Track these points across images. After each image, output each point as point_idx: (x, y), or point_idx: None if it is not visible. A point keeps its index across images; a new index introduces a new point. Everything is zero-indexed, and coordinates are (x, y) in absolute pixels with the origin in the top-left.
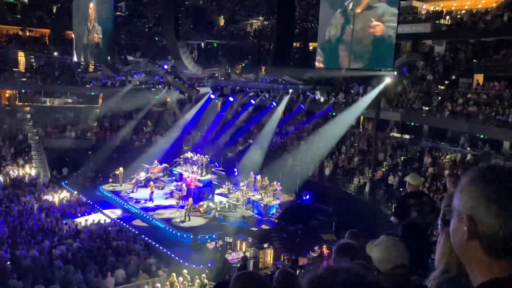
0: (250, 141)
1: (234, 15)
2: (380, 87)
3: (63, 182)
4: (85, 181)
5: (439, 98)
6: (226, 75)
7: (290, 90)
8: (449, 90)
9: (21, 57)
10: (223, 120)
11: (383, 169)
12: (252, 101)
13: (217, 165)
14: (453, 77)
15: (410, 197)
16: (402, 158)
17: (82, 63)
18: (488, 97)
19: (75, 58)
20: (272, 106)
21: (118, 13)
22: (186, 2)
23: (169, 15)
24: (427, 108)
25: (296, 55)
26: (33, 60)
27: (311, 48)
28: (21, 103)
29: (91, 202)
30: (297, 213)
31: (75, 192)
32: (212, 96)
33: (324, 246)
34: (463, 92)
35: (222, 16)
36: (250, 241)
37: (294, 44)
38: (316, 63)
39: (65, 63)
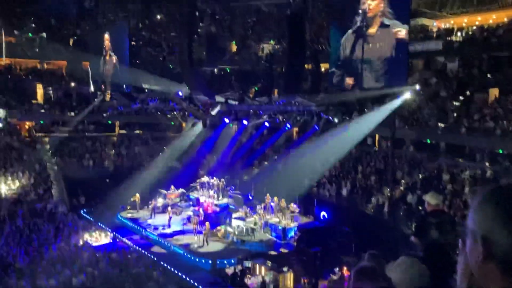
0: (266, 163)
1: (245, 40)
2: (394, 104)
3: (81, 210)
4: (103, 208)
5: (455, 114)
6: (240, 99)
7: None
8: (465, 106)
9: (39, 89)
10: (238, 144)
11: (402, 188)
12: (266, 124)
13: (233, 188)
14: (468, 92)
15: (430, 216)
16: (420, 176)
17: (98, 92)
18: (505, 111)
19: (91, 88)
20: (286, 128)
21: (133, 42)
22: (199, 30)
23: (182, 43)
24: (443, 125)
25: (308, 77)
26: (51, 92)
27: (323, 69)
28: (39, 134)
29: (109, 230)
30: (316, 235)
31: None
32: (227, 120)
33: (345, 268)
34: (479, 107)
35: (234, 42)
36: (269, 265)
37: (306, 66)
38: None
39: (82, 93)
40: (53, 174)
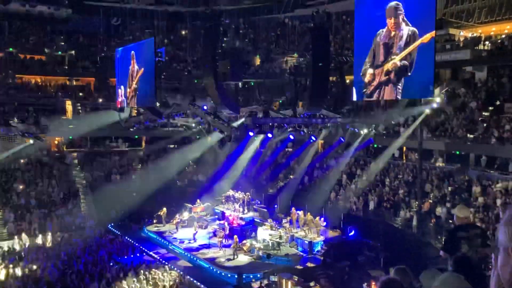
0: (291, 176)
1: (269, 54)
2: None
3: (109, 225)
4: (130, 222)
5: (484, 124)
6: (264, 112)
7: (329, 124)
8: (495, 116)
9: (69, 105)
10: (263, 157)
11: (430, 201)
12: (291, 137)
13: (259, 202)
14: (498, 102)
15: (460, 230)
16: (450, 188)
17: (125, 108)
18: None
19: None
20: (311, 140)
21: (158, 58)
22: (223, 45)
23: (207, 58)
24: (472, 136)
25: (333, 88)
26: (79, 108)
27: (347, 81)
28: (69, 149)
29: (136, 244)
30: (344, 249)
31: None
32: (251, 134)
33: (373, 283)
34: (510, 117)
35: (258, 56)
36: (296, 279)
37: (330, 78)
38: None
39: (109, 108)
40: (82, 188)
